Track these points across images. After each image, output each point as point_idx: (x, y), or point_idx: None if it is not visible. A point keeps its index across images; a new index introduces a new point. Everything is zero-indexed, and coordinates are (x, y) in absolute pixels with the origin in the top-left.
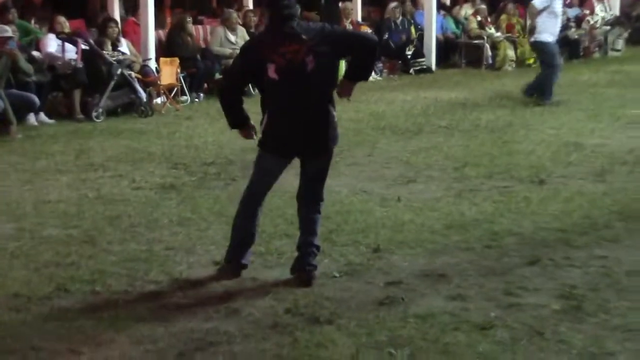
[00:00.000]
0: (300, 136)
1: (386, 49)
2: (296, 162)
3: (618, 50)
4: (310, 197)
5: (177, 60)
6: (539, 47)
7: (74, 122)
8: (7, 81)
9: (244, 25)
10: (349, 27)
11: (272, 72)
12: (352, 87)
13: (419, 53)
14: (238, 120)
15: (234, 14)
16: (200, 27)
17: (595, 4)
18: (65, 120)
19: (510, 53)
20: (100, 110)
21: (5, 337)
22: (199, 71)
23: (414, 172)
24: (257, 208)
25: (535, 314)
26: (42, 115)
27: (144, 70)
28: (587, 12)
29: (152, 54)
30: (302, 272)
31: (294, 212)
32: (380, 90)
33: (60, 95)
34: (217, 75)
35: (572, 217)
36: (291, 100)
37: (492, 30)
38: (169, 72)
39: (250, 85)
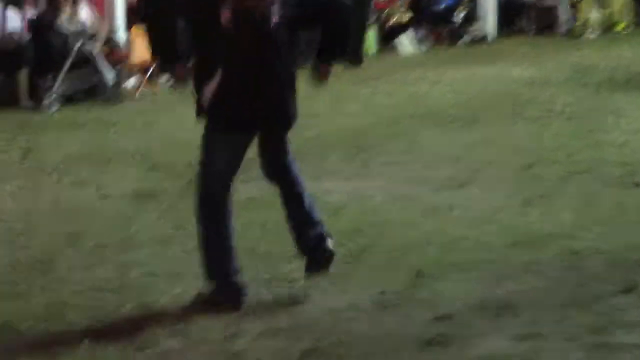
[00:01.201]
0: (264, 104)
1: (429, 12)
2: None
3: None
4: (285, 171)
5: None
6: None
7: (20, 111)
8: None
9: None
10: None
11: (226, 20)
12: (328, 71)
13: (472, 17)
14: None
15: None
16: None
17: None
18: (8, 110)
19: (595, 16)
20: (54, 96)
21: None
22: None
23: (468, 173)
24: (224, 213)
25: (630, 358)
26: None
27: (110, 43)
28: None
29: (121, 22)
30: (316, 254)
31: None
32: (421, 67)
33: (1, 77)
34: None
35: None
36: (252, 60)
37: None
38: (143, 46)
39: None
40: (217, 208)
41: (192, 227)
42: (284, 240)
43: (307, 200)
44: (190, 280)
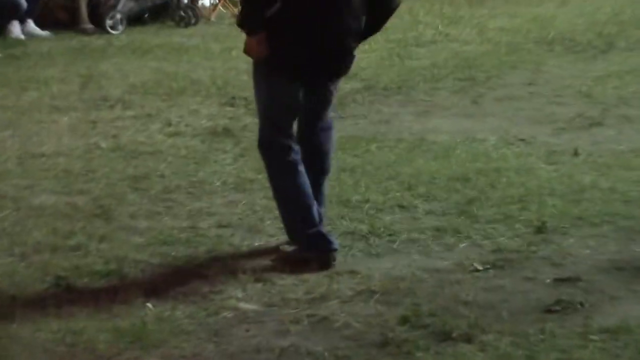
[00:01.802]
0: (329, 55)
1: None
2: None
3: None
4: (318, 126)
5: None
6: None
7: (79, 34)
8: None
9: None
10: None
11: None
12: None
13: None
14: (260, 22)
15: None
16: None
17: None
18: (66, 32)
19: None
20: (119, 17)
21: None
22: None
23: (600, 111)
24: (288, 162)
25: None
26: (31, 25)
27: None
28: None
29: None
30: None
31: (412, 170)
32: None
33: None
34: None
35: None
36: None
37: None
38: None
39: None
40: (279, 158)
41: None
42: (384, 187)
43: (324, 184)
44: (270, 233)
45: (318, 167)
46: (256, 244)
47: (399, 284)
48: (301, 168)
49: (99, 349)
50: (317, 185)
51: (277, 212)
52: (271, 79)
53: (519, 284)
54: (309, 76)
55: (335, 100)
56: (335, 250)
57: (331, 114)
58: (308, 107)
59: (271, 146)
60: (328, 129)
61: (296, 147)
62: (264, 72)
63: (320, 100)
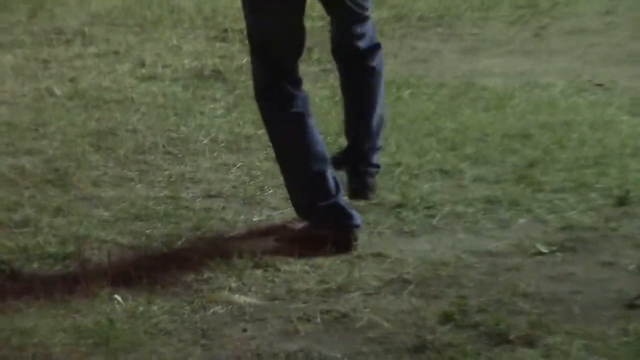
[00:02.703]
0: None
1: None
2: None
3: None
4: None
5: None
6: None
7: None
8: None
9: None
10: None
11: None
12: None
13: None
14: None
15: None
16: None
17: None
18: None
19: None
20: None
21: None
22: None
23: None
24: (288, 115)
25: None
26: None
27: None
28: None
29: None
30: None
31: (456, 124)
32: None
33: None
34: None
35: None
36: None
37: None
38: None
39: None
40: (278, 109)
41: None
42: (421, 147)
43: (375, 116)
44: (273, 205)
45: (359, 96)
46: (255, 219)
47: (440, 271)
48: (310, 122)
49: (54, 354)
50: (370, 125)
51: (281, 178)
52: None
53: (594, 270)
54: None
55: (369, 13)
56: (357, 227)
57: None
58: (335, 22)
59: (267, 93)
60: (370, 47)
61: (303, 94)
62: None
63: (342, 12)
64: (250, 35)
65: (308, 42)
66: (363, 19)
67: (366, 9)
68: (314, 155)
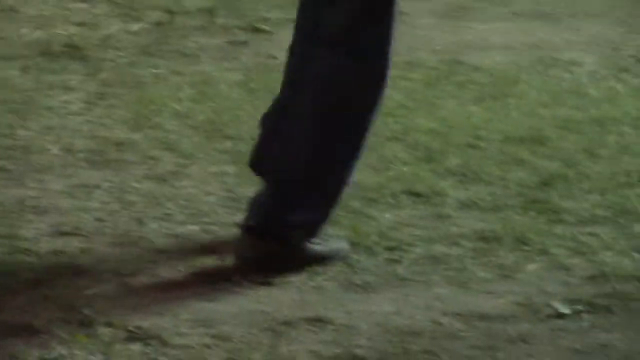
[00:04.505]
0: None
1: None
2: None
3: None
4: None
5: None
6: None
7: None
8: None
9: None
10: None
11: None
12: None
13: None
14: None
15: None
16: None
17: None
18: None
19: None
20: None
21: None
22: None
23: None
24: None
25: None
26: None
27: None
28: None
29: None
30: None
31: (432, 122)
32: None
33: None
34: None
35: None
36: None
37: None
38: None
39: None
40: None
41: (169, 115)
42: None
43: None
44: (158, 245)
45: None
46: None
47: (408, 343)
48: None
49: None
50: None
51: (168, 206)
52: None
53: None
54: None
55: None
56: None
57: None
58: None
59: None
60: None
61: None
62: None
63: None
64: None
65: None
66: None
67: None
68: None
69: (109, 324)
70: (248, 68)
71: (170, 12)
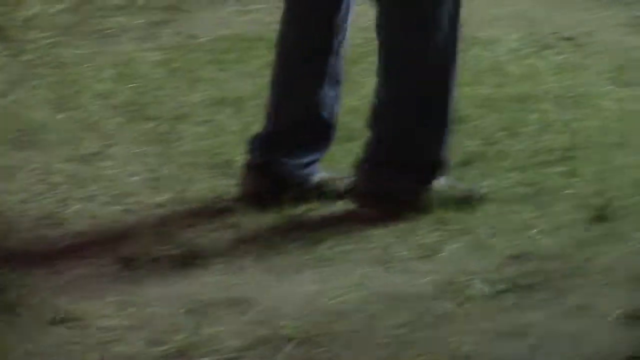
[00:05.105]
0: None
1: None
2: None
3: None
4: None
5: None
6: None
7: None
8: None
9: None
10: None
11: None
12: None
13: None
14: None
15: None
16: None
17: None
18: None
19: None
20: None
21: None
22: None
23: None
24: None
25: None
26: None
27: None
28: None
29: None
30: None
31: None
32: None
33: None
34: None
35: None
36: None
37: None
38: None
39: None
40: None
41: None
42: None
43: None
44: (81, 227)
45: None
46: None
47: (333, 324)
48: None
49: None
50: None
51: (91, 188)
52: None
53: (561, 320)
54: None
55: None
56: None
57: None
58: None
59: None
60: None
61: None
62: None
63: None
64: None
65: None
66: None
67: None
68: None
69: (31, 307)
70: (169, 48)
71: None
